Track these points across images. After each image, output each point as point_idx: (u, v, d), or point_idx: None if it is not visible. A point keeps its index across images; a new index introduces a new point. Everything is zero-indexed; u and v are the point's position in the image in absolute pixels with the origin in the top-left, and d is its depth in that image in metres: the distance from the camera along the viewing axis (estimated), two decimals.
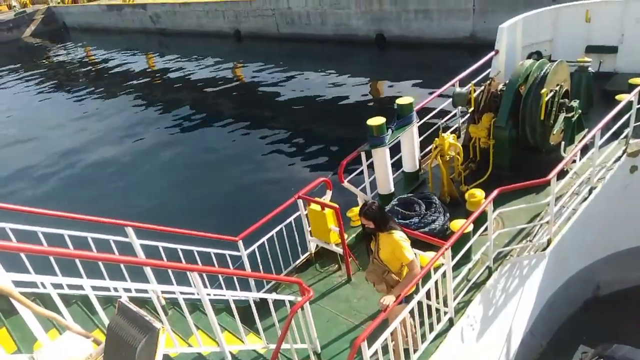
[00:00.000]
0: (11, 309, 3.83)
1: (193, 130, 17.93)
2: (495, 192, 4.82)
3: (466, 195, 5.80)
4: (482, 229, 4.98)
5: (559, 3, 16.88)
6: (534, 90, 6.15)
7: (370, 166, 6.62)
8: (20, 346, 3.84)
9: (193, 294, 3.61)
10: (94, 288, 3.30)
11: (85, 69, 33.49)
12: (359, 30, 25.39)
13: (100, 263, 3.78)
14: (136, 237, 4.41)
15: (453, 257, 4.46)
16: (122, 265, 3.82)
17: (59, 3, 51.11)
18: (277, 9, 28.58)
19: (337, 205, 5.44)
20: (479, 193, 5.66)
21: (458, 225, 5.14)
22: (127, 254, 4.29)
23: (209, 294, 3.64)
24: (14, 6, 54.61)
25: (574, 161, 6.02)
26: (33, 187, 15.18)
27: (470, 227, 4.91)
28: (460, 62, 20.27)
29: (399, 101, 6.60)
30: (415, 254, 4.08)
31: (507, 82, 6.72)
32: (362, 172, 6.59)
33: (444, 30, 22.15)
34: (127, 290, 3.87)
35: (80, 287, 3.33)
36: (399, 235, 3.89)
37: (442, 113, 7.82)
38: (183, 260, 4.87)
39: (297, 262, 6.16)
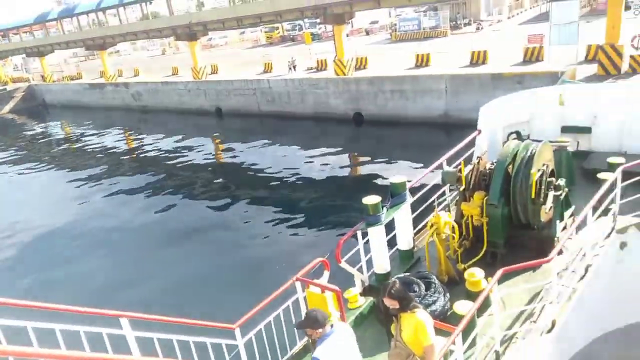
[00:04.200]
0: None
1: (178, 208, 17.60)
2: (499, 273, 4.79)
3: (465, 275, 5.74)
4: (488, 311, 4.88)
5: (524, 86, 18.29)
6: (523, 169, 6.37)
7: (365, 244, 6.57)
8: None
9: None
10: None
11: (63, 146, 33.36)
12: (337, 109, 26.46)
13: None
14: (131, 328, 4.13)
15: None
16: None
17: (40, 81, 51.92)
18: (258, 88, 29.74)
19: (338, 289, 5.28)
20: (478, 273, 5.62)
21: (462, 307, 5.02)
22: (121, 346, 3.99)
23: None
24: None
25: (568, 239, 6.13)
26: (7, 270, 14.35)
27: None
28: (435, 139, 21.38)
29: (392, 180, 6.70)
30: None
31: (494, 161, 6.96)
32: (357, 251, 6.52)
33: (418, 109, 23.30)
34: None
35: None
36: (422, 316, 3.75)
37: (431, 190, 7.98)
38: (178, 352, 4.55)
39: (295, 348, 5.84)
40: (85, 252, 14.62)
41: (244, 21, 31.65)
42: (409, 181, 6.92)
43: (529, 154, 6.48)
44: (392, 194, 6.64)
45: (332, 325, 4.01)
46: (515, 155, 6.61)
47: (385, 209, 6.39)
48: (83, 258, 14.19)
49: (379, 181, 17.19)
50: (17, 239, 16.60)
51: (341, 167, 20.29)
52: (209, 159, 24.84)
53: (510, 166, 6.65)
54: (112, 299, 9.54)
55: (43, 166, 27.32)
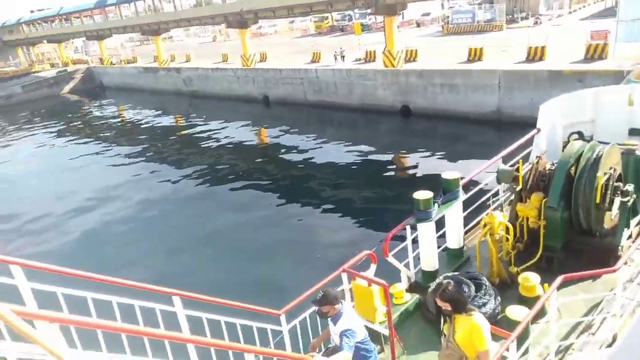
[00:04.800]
0: None
1: (226, 194, 17.79)
2: (559, 280, 4.54)
3: (519, 279, 5.51)
4: (544, 319, 4.65)
5: (585, 84, 17.32)
6: (588, 172, 6.02)
7: (414, 240, 6.43)
8: None
9: None
10: None
11: (115, 126, 34.78)
12: (384, 101, 26.08)
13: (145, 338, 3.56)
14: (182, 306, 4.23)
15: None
16: (165, 341, 3.59)
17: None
18: (305, 77, 29.75)
19: (385, 283, 5.18)
20: (534, 277, 5.38)
21: (516, 312, 4.81)
22: (172, 323, 4.09)
23: None
24: (57, 64, 58.15)
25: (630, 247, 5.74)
26: (63, 242, 15.08)
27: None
28: (486, 135, 20.69)
29: (444, 175, 6.51)
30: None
31: (555, 162, 6.62)
32: (405, 246, 6.40)
33: (469, 104, 22.59)
34: None
35: None
36: (479, 319, 3.62)
37: (483, 188, 7.70)
38: (225, 333, 4.62)
39: None
40: (135, 233, 15.17)
41: (294, 10, 31.67)
42: (461, 178, 6.70)
43: (595, 156, 6.10)
44: (444, 190, 6.45)
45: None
46: (580, 156, 6.25)
47: (436, 204, 6.22)
48: (135, 239, 14.72)
49: (426, 176, 16.86)
50: (67, 216, 17.46)
51: (388, 160, 20.05)
52: (255, 146, 25.20)
53: (573, 168, 6.30)
54: (165, 279, 9.84)
55: (97, 144, 28.58)
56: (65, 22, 54.91)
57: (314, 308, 5.42)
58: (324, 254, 11.84)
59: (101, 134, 31.94)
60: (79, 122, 37.04)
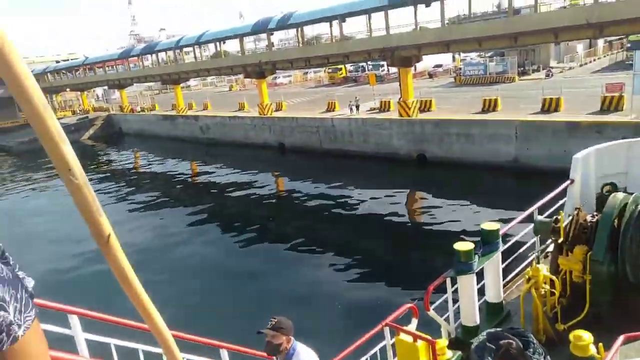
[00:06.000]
0: None
1: (251, 244, 17.42)
2: (620, 339, 4.33)
3: (570, 337, 5.25)
4: None
5: (604, 136, 17.35)
6: (633, 225, 5.88)
7: (454, 293, 6.23)
8: None
9: None
10: None
11: (132, 171, 35.30)
12: (400, 149, 26.31)
13: None
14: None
15: None
16: None
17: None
18: (321, 126, 30.27)
19: (431, 338, 4.98)
20: (586, 336, 5.12)
21: None
22: None
23: None
24: (78, 112, 60.02)
25: None
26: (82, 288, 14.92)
27: None
28: (504, 185, 20.56)
29: (484, 226, 6.40)
30: None
31: (595, 213, 6.50)
32: (443, 299, 6.20)
33: (486, 154, 22.66)
34: None
35: None
36: None
37: (519, 240, 7.54)
38: None
39: None
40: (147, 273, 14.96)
41: (311, 61, 32.72)
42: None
43: None
44: (484, 241, 6.33)
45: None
46: (623, 208, 6.13)
47: (476, 256, 6.08)
48: (150, 279, 14.48)
49: (450, 225, 16.71)
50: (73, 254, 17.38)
51: (409, 208, 19.96)
52: (271, 193, 25.27)
53: (617, 220, 6.16)
54: (211, 331, 9.56)
55: (113, 188, 28.90)
56: (89, 72, 57.14)
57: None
58: (354, 307, 11.43)
59: (117, 179, 32.38)
60: (97, 167, 37.69)
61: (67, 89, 63.25)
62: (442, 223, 17.19)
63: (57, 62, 69.72)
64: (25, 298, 0.72)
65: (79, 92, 63.59)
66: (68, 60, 70.89)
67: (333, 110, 32.29)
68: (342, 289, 12.88)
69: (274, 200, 23.79)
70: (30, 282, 0.77)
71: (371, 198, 21.22)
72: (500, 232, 6.65)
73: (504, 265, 6.90)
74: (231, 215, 21.26)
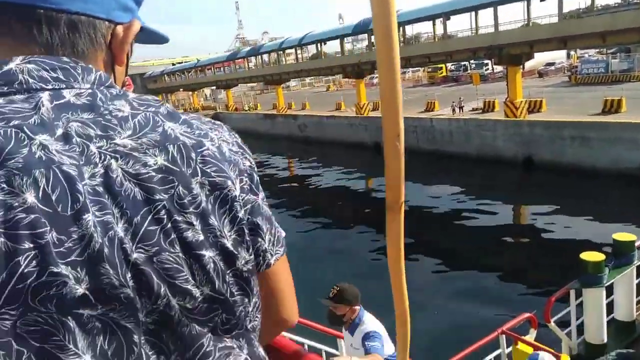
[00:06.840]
0: None
1: (353, 244, 17.07)
2: None
3: None
4: None
5: None
6: None
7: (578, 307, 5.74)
8: None
9: None
10: None
11: None
12: (504, 152, 24.80)
13: None
14: None
15: None
16: None
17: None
18: (419, 125, 29.59)
19: (554, 352, 4.63)
20: None
21: None
22: None
23: None
24: (189, 110, 65.10)
25: None
26: None
27: None
28: (627, 194, 18.40)
29: (616, 237, 5.82)
30: None
31: None
32: (566, 312, 5.74)
33: (606, 160, 20.51)
34: None
35: None
36: None
37: None
38: None
39: None
40: None
41: (412, 61, 32.15)
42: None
43: None
44: (616, 253, 5.75)
45: None
46: None
47: (607, 269, 5.54)
48: None
49: (563, 233, 15.56)
50: None
51: (516, 213, 18.85)
52: (367, 193, 25.28)
53: None
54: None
55: None
56: (200, 73, 61.78)
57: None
58: (465, 313, 10.99)
59: None
60: None
61: (181, 89, 69.04)
62: (558, 232, 15.93)
63: (173, 64, 76.38)
64: (277, 235, 0.85)
65: (190, 92, 69.08)
66: (182, 62, 77.31)
67: (432, 110, 31.41)
68: (452, 293, 12.44)
69: (370, 201, 23.74)
70: (282, 232, 0.90)
71: (478, 201, 20.16)
72: (636, 244, 6.01)
73: (638, 280, 6.21)
74: (328, 213, 21.63)
